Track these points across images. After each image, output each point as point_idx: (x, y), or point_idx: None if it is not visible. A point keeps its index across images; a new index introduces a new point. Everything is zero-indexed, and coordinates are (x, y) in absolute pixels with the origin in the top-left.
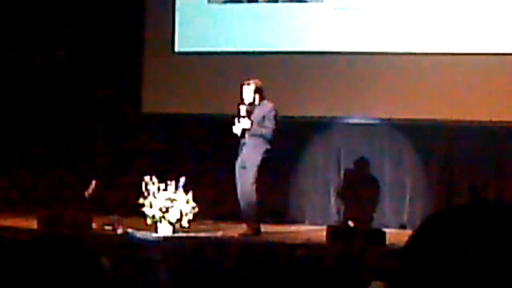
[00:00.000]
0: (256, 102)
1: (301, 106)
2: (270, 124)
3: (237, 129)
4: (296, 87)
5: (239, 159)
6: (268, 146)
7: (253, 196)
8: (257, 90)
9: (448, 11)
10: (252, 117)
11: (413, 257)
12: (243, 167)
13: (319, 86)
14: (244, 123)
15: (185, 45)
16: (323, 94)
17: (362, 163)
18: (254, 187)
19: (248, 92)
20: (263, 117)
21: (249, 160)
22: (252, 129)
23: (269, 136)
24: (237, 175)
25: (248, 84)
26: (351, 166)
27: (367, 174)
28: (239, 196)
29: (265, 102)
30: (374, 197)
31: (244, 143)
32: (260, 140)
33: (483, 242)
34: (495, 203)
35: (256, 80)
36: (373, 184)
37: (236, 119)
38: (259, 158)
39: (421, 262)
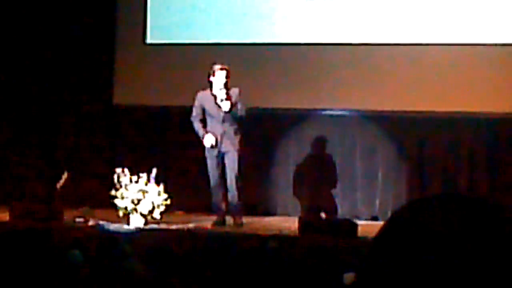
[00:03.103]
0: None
1: (272, 98)
2: (244, 108)
3: (210, 140)
4: (267, 78)
5: (219, 147)
6: (242, 133)
7: (238, 187)
8: (228, 75)
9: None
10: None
11: (383, 248)
12: (226, 156)
13: (290, 78)
14: (225, 105)
15: (157, 37)
16: (294, 85)
17: (333, 154)
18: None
19: (223, 77)
20: (235, 103)
21: (232, 150)
22: (231, 112)
23: (244, 120)
24: (215, 164)
25: (223, 68)
26: (323, 157)
27: (339, 165)
28: (228, 185)
29: (232, 88)
30: (345, 188)
31: (223, 131)
32: (237, 127)
33: (453, 234)
34: (466, 195)
35: (226, 66)
36: (345, 175)
37: (207, 138)
38: (239, 149)
39: (392, 254)
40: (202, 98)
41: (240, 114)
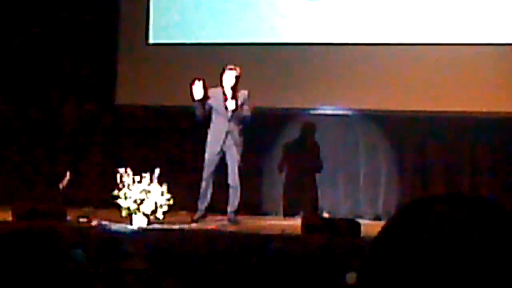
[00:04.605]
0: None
1: (275, 97)
2: (250, 110)
3: (231, 105)
4: (270, 78)
5: (221, 145)
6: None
7: (240, 186)
8: (239, 77)
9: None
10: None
11: (384, 248)
12: (228, 154)
13: (293, 77)
14: (231, 104)
15: (159, 37)
16: (297, 85)
17: (336, 154)
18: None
19: (232, 77)
20: (242, 104)
21: (234, 148)
22: (237, 112)
23: (248, 121)
24: (211, 160)
25: (232, 69)
26: (326, 157)
27: (341, 165)
28: (230, 183)
29: (241, 90)
30: (348, 188)
31: (228, 130)
32: (242, 127)
33: (455, 233)
34: (468, 195)
35: (238, 67)
36: (348, 175)
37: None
38: (242, 149)
39: (393, 253)
40: (212, 94)
41: (245, 115)
